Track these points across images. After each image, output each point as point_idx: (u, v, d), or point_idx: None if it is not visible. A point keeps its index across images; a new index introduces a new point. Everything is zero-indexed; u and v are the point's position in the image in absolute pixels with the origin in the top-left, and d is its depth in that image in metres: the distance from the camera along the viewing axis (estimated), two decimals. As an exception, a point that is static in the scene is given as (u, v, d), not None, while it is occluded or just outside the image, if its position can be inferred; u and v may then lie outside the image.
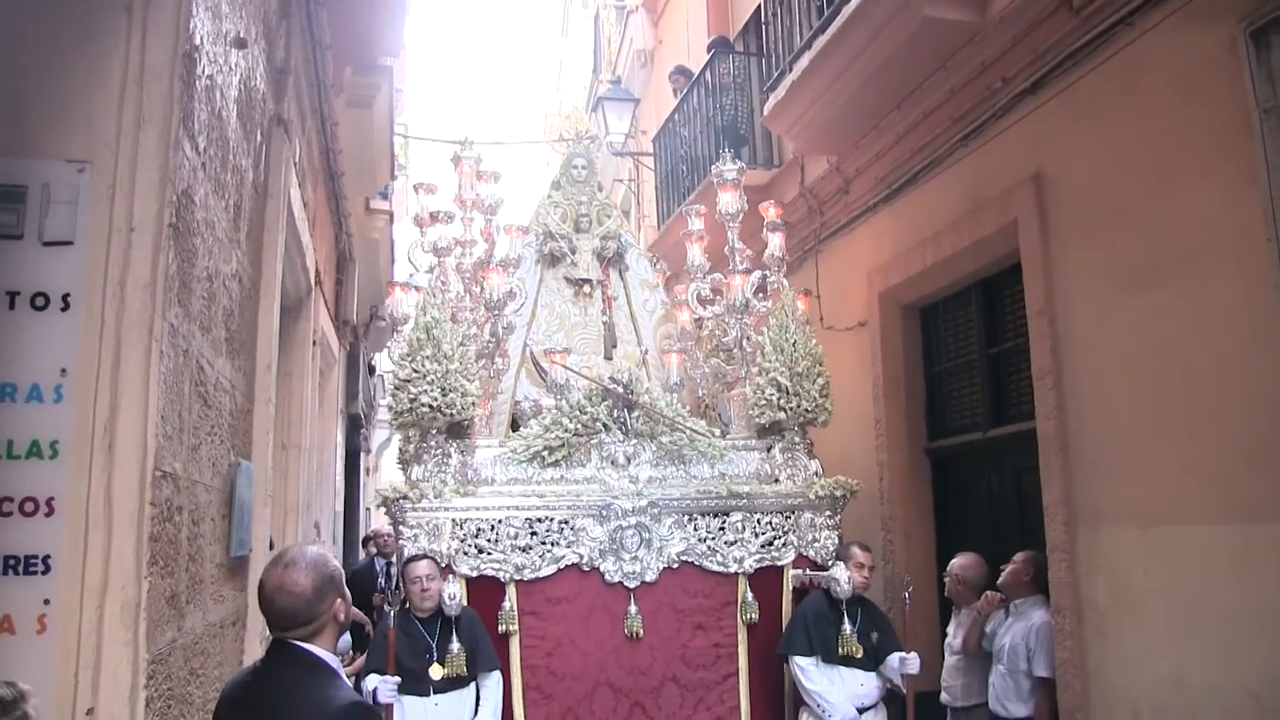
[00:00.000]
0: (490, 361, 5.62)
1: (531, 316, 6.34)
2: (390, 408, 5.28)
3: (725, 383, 6.05)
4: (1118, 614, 4.34)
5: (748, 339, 5.77)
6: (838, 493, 5.40)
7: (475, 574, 5.00)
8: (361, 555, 11.15)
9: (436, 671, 4.60)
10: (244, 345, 4.00)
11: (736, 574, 5.25)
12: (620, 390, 5.31)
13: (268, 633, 2.46)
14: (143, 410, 2.50)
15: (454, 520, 5.04)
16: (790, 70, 6.31)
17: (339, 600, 2.31)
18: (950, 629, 5.26)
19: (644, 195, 12.18)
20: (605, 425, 5.32)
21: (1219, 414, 3.82)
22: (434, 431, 5.14)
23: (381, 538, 8.97)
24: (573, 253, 6.51)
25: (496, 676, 4.76)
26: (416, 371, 4.98)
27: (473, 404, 5.13)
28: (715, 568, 5.24)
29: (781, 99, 6.44)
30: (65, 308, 2.49)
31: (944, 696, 5.19)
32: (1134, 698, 4.23)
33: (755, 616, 5.20)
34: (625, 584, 5.12)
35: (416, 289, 5.79)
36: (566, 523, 5.15)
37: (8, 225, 2.50)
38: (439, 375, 4.97)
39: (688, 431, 5.39)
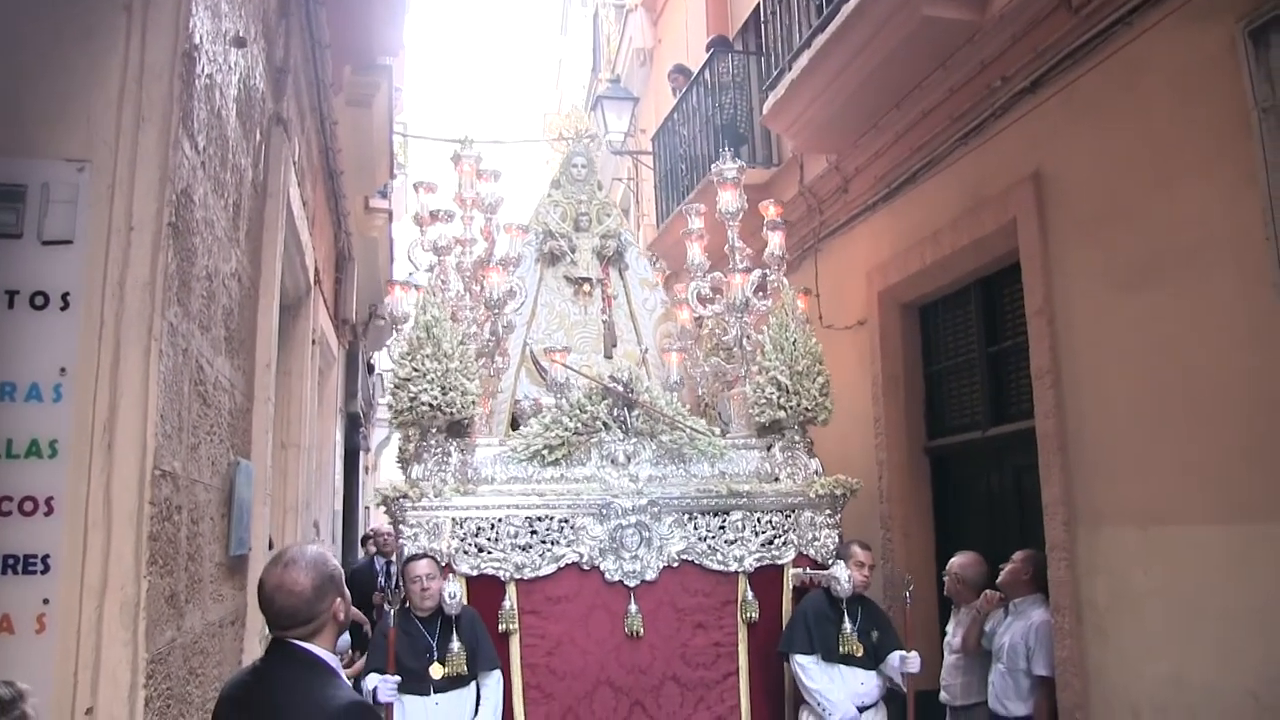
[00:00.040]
0: (490, 360, 5.62)
1: (531, 315, 6.34)
2: (390, 406, 5.28)
3: (725, 381, 6.05)
4: (1117, 613, 4.34)
5: (748, 337, 5.77)
6: (838, 491, 5.40)
7: (475, 573, 5.00)
8: (360, 554, 11.16)
9: (437, 671, 4.60)
10: (243, 344, 4.00)
11: (737, 573, 5.25)
12: (620, 389, 5.31)
13: (267, 632, 2.46)
14: (142, 409, 2.50)
15: (454, 519, 5.04)
16: (789, 69, 6.31)
17: (339, 600, 2.31)
18: (949, 628, 5.26)
19: (643, 194, 12.18)
20: (605, 424, 5.32)
21: (1218, 413, 3.82)
22: (434, 430, 5.14)
23: (381, 536, 8.97)
24: (572, 251, 6.50)
25: (497, 675, 4.76)
26: (416, 370, 4.98)
27: (473, 403, 5.13)
28: (715, 566, 5.24)
29: (781, 98, 6.44)
30: (65, 307, 2.49)
31: (943, 695, 5.19)
32: (1133, 697, 4.23)
33: (755, 615, 5.20)
34: (625, 583, 5.12)
35: (416, 287, 5.79)
36: (566, 521, 5.15)
37: (7, 224, 2.50)
38: (439, 374, 4.97)
39: (688, 430, 5.39)
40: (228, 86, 3.43)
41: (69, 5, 2.56)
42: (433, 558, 4.86)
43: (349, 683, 2.41)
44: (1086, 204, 4.59)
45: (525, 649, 5.01)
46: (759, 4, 7.48)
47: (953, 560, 5.22)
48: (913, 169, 6.07)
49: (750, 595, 5.23)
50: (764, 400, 5.44)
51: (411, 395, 4.98)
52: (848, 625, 4.87)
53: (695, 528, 5.26)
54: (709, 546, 5.25)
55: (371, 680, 4.45)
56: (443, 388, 4.97)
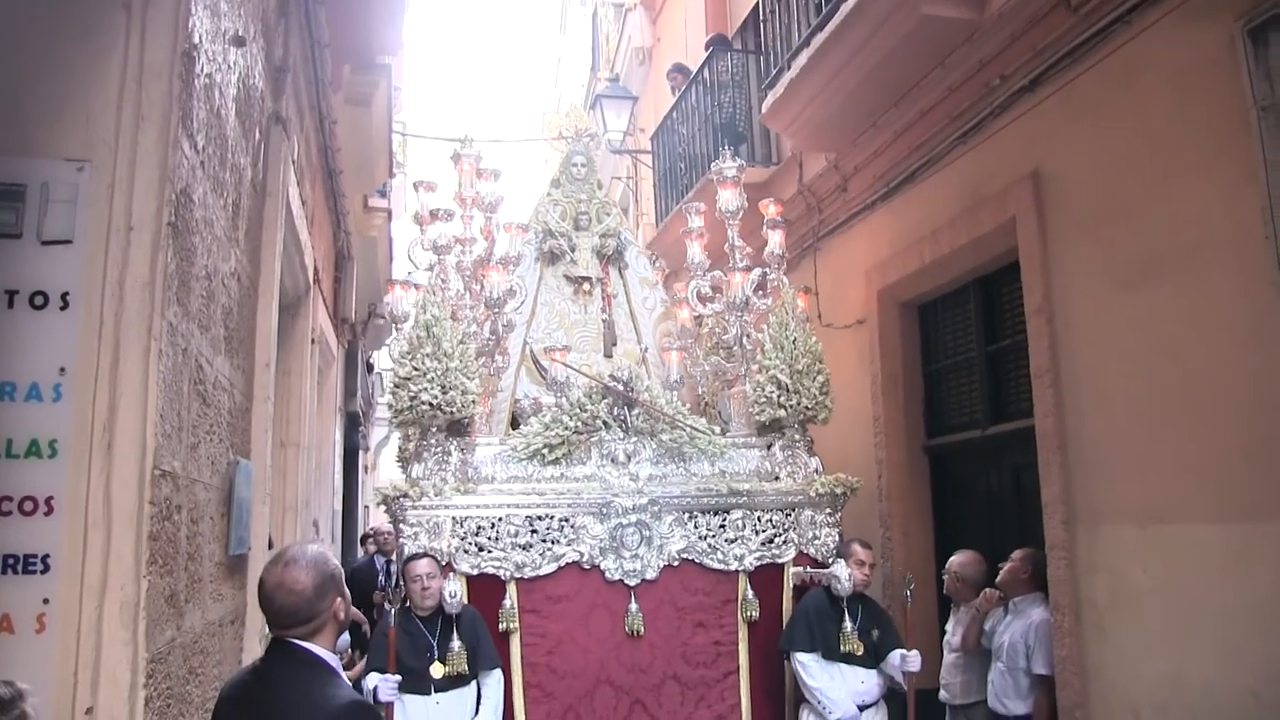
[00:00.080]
0: (490, 359, 5.62)
1: (531, 314, 6.34)
2: (390, 405, 5.28)
3: (725, 380, 6.05)
4: (1117, 612, 4.34)
5: (748, 336, 5.77)
6: (838, 490, 5.40)
7: (476, 572, 5.00)
8: (360, 553, 11.16)
9: (437, 670, 4.60)
10: (243, 343, 4.00)
11: (737, 571, 5.25)
12: (620, 388, 5.31)
13: (267, 631, 2.46)
14: (142, 409, 2.50)
15: (454, 518, 5.04)
16: (788, 68, 6.31)
17: (339, 599, 2.31)
18: (949, 626, 5.26)
19: (642, 193, 12.18)
20: (605, 423, 5.33)
21: (1218, 412, 3.82)
22: (434, 429, 5.14)
23: (381, 535, 8.97)
24: (572, 250, 6.50)
25: (497, 675, 4.76)
26: (417, 369, 4.98)
27: (473, 402, 5.14)
28: (716, 565, 5.24)
29: (780, 96, 6.44)
30: (64, 306, 2.49)
31: (943, 694, 5.19)
32: (1133, 695, 4.23)
33: (756, 614, 5.20)
34: (626, 582, 5.12)
35: (416, 287, 5.79)
36: (567, 520, 5.15)
37: (7, 224, 2.49)
38: (439, 373, 4.97)
39: (688, 429, 5.39)
40: (227, 86, 3.43)
41: (68, 4, 2.56)
42: (433, 557, 4.86)
43: (349, 683, 2.41)
44: (1086, 203, 4.59)
45: (526, 648, 5.01)
46: (758, 3, 7.48)
47: (952, 559, 5.22)
48: (912, 168, 6.07)
49: (750, 594, 5.23)
50: (764, 399, 5.44)
51: (412, 394, 4.98)
52: (848, 624, 4.87)
53: (695, 526, 5.26)
54: (709, 545, 5.25)
55: (372, 679, 4.45)
56: (443, 387, 4.97)
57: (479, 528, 5.05)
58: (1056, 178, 4.80)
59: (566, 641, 5.04)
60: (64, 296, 2.49)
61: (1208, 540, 3.87)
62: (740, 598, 5.23)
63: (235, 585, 3.97)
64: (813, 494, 5.37)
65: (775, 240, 5.85)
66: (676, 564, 5.20)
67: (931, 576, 6.00)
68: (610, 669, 5.04)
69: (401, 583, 4.87)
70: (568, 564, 5.11)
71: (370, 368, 13.81)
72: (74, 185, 2.52)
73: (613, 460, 5.30)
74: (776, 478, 5.48)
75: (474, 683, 4.70)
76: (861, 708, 4.84)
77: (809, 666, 4.84)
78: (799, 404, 5.39)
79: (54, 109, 2.54)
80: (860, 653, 4.88)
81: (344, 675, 2.37)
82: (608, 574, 5.11)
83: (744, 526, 5.30)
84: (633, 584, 5.12)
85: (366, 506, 15.09)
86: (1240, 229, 3.70)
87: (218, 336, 3.44)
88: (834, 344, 6.49)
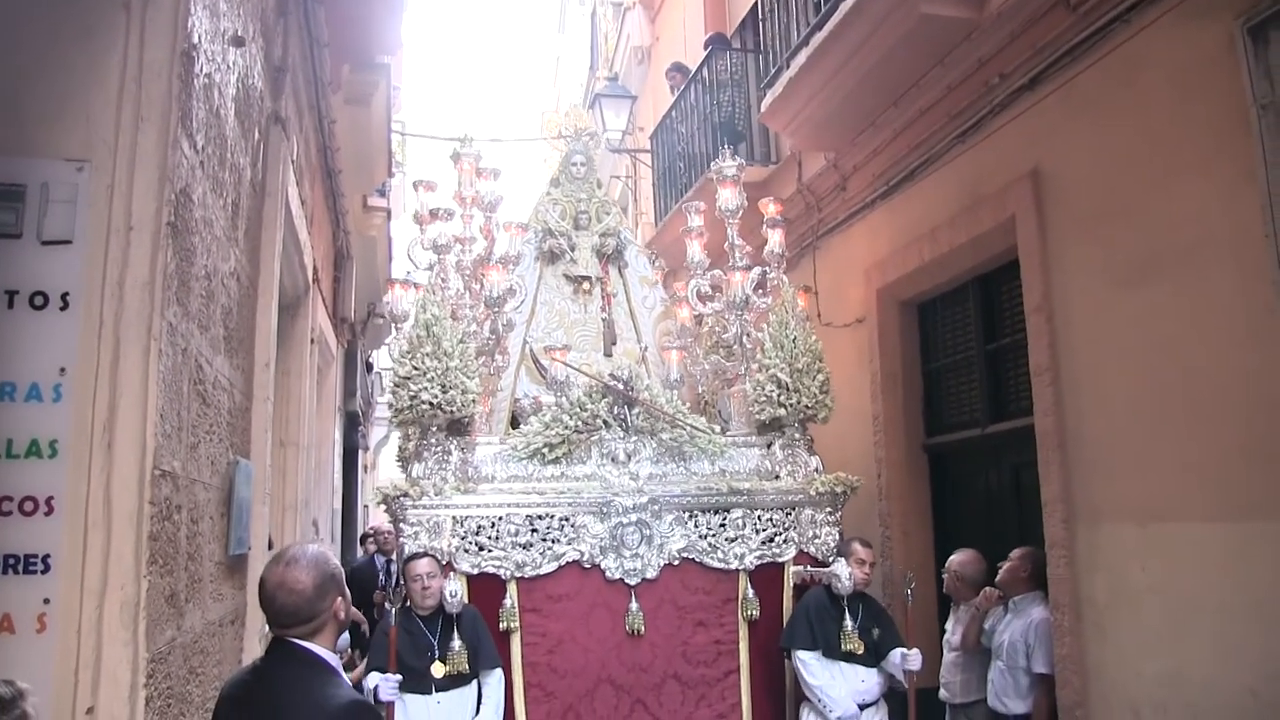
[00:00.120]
0: (490, 358, 5.62)
1: (531, 314, 6.34)
2: (390, 404, 5.29)
3: (725, 379, 6.05)
4: (1116, 610, 4.34)
5: (747, 335, 5.77)
6: (838, 489, 5.40)
7: (476, 571, 5.00)
8: (360, 552, 11.16)
9: (438, 669, 4.60)
10: (242, 343, 4.00)
11: (737, 570, 5.25)
12: (620, 387, 5.31)
13: (267, 630, 2.46)
14: (142, 409, 2.50)
15: (454, 517, 5.04)
16: (787, 67, 6.30)
17: (339, 599, 2.31)
18: (949, 625, 5.26)
19: (641, 192, 12.18)
20: (605, 422, 5.33)
21: (1217, 410, 3.83)
22: (434, 429, 5.14)
23: (382, 535, 8.97)
24: (572, 249, 6.50)
25: (498, 674, 4.77)
26: (417, 369, 4.98)
27: (473, 401, 5.14)
28: (716, 564, 5.24)
29: (779, 95, 6.44)
30: (64, 307, 2.49)
31: (943, 693, 5.19)
32: (1133, 694, 4.23)
33: (756, 613, 5.20)
34: (626, 581, 5.12)
35: (416, 286, 5.79)
36: (567, 520, 5.15)
37: (6, 224, 2.49)
38: (439, 372, 4.97)
39: (688, 428, 5.39)
40: (226, 86, 3.43)
41: (68, 4, 2.56)
42: (433, 556, 4.86)
43: (350, 683, 2.41)
44: (1085, 201, 4.59)
45: (526, 647, 5.01)
46: (756, 1, 7.48)
47: (952, 558, 5.22)
48: (911, 166, 6.07)
49: (751, 593, 5.23)
50: (764, 398, 5.44)
51: (412, 393, 4.98)
52: (849, 623, 4.87)
53: (696, 525, 5.27)
54: (709, 544, 5.25)
55: (373, 679, 4.45)
56: (443, 386, 4.97)
57: (479, 527, 5.05)
58: (1056, 176, 4.80)
59: (567, 641, 5.04)
60: (64, 297, 2.50)
61: (1207, 539, 3.87)
62: (740, 597, 5.23)
63: (235, 585, 3.97)
64: (813, 493, 5.38)
65: (775, 239, 5.85)
66: (677, 563, 5.20)
67: (931, 575, 6.00)
68: (611, 668, 5.04)
69: (402, 582, 4.87)
70: (568, 563, 5.11)
71: (370, 367, 13.82)
72: (74, 185, 2.52)
73: (613, 459, 5.30)
74: (777, 476, 5.48)
75: (475, 682, 4.70)
76: (862, 706, 4.84)
77: (810, 664, 4.85)
78: (799, 403, 5.39)
79: (54, 109, 2.54)
80: (861, 651, 4.88)
81: (344, 675, 2.37)
82: (608, 573, 5.11)
83: (744, 525, 5.30)
84: (633, 583, 5.12)
85: (366, 506, 15.10)
86: (1240, 227, 3.70)
87: (217, 336, 3.44)
88: (833, 343, 6.49)
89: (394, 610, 4.53)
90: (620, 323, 6.54)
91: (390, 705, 4.38)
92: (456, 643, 4.63)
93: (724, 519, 5.30)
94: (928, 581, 5.98)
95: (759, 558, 5.29)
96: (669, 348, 6.16)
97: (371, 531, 10.16)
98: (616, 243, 6.65)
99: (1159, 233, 4.13)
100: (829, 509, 5.42)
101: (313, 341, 6.62)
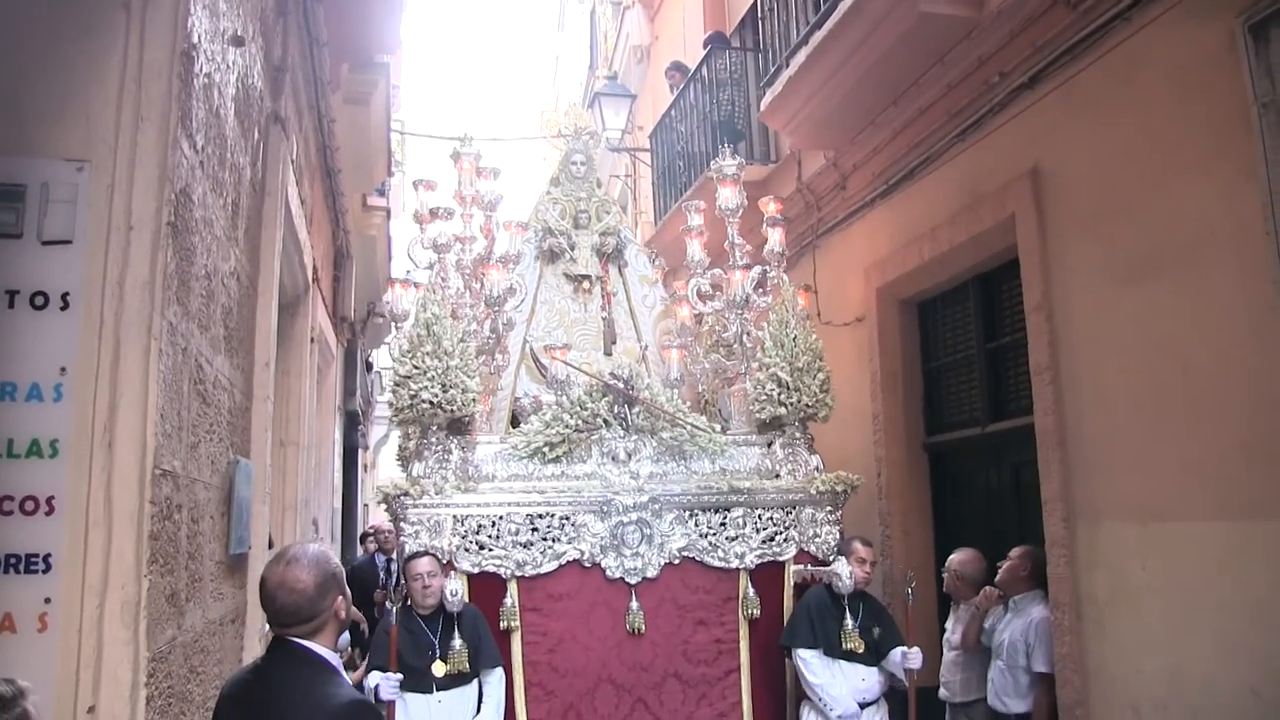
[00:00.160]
0: (490, 357, 5.62)
1: (531, 313, 6.34)
2: (390, 404, 5.29)
3: (725, 378, 6.05)
4: (1116, 609, 4.34)
5: (748, 334, 5.77)
6: (839, 488, 5.40)
7: (477, 570, 5.00)
8: (360, 552, 11.17)
9: (439, 668, 4.60)
10: (242, 343, 4.00)
11: (738, 569, 5.25)
12: (620, 386, 5.31)
13: (267, 629, 2.46)
14: (142, 408, 2.50)
15: (455, 516, 5.04)
16: (787, 66, 6.30)
17: (340, 598, 2.31)
18: (949, 624, 5.26)
19: (640, 191, 12.18)
20: (606, 421, 5.33)
21: (1217, 409, 3.83)
22: (434, 428, 5.14)
23: (382, 534, 8.98)
24: (572, 249, 6.50)
25: (499, 673, 4.77)
26: (417, 368, 4.98)
27: (473, 400, 5.14)
28: (716, 563, 5.24)
29: (778, 94, 6.44)
30: (65, 307, 2.50)
31: (943, 692, 5.19)
32: (1133, 693, 4.23)
33: (757, 612, 5.20)
34: (626, 580, 5.12)
35: (416, 285, 5.80)
36: (568, 519, 5.15)
37: (7, 224, 2.50)
38: (439, 371, 4.98)
39: (688, 427, 5.39)
40: (226, 85, 3.43)
41: (67, 4, 2.56)
42: (434, 555, 4.86)
43: (350, 682, 2.41)
44: (1085, 199, 4.59)
45: (527, 646, 5.01)
46: (756, 0, 7.47)
47: (952, 557, 5.22)
48: (911, 165, 6.07)
49: (751, 592, 5.23)
50: (764, 397, 5.44)
51: (412, 392, 4.98)
52: (849, 622, 4.87)
53: (696, 524, 5.26)
54: (710, 543, 5.25)
55: (374, 678, 4.45)
56: (443, 385, 4.98)
57: (480, 526, 5.05)
58: (1056, 174, 4.79)
59: (568, 640, 5.05)
60: (64, 296, 2.50)
61: (1207, 537, 3.87)
62: (741, 596, 5.23)
63: (235, 584, 3.97)
64: (813, 492, 5.37)
65: (775, 238, 5.85)
66: (677, 562, 5.20)
67: (931, 574, 6.00)
68: (611, 667, 5.04)
69: (402, 581, 4.87)
70: (569, 562, 5.11)
71: (369, 366, 13.82)
72: (74, 185, 2.52)
73: (613, 458, 5.30)
74: (777, 475, 5.48)
75: (475, 681, 4.70)
76: (862, 705, 4.84)
77: (810, 663, 4.85)
78: (799, 401, 5.39)
79: (54, 109, 2.54)
80: (861, 650, 4.88)
81: (345, 674, 2.37)
82: (609, 572, 5.11)
83: (745, 524, 5.30)
84: (634, 582, 5.12)
85: (365, 505, 15.11)
86: (1240, 226, 3.70)
87: (217, 336, 3.44)
88: (833, 342, 6.49)
89: (395, 609, 4.53)
90: (620, 322, 6.54)
91: (391, 704, 4.38)
92: (457, 642, 4.63)
93: (724, 518, 5.30)
94: (928, 580, 5.98)
95: (759, 556, 5.29)
96: (669, 346, 6.16)
97: (372, 530, 10.17)
98: (616, 242, 6.65)
99: (1159, 231, 4.13)
100: (829, 508, 5.42)
101: (312, 341, 6.63)
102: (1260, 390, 3.63)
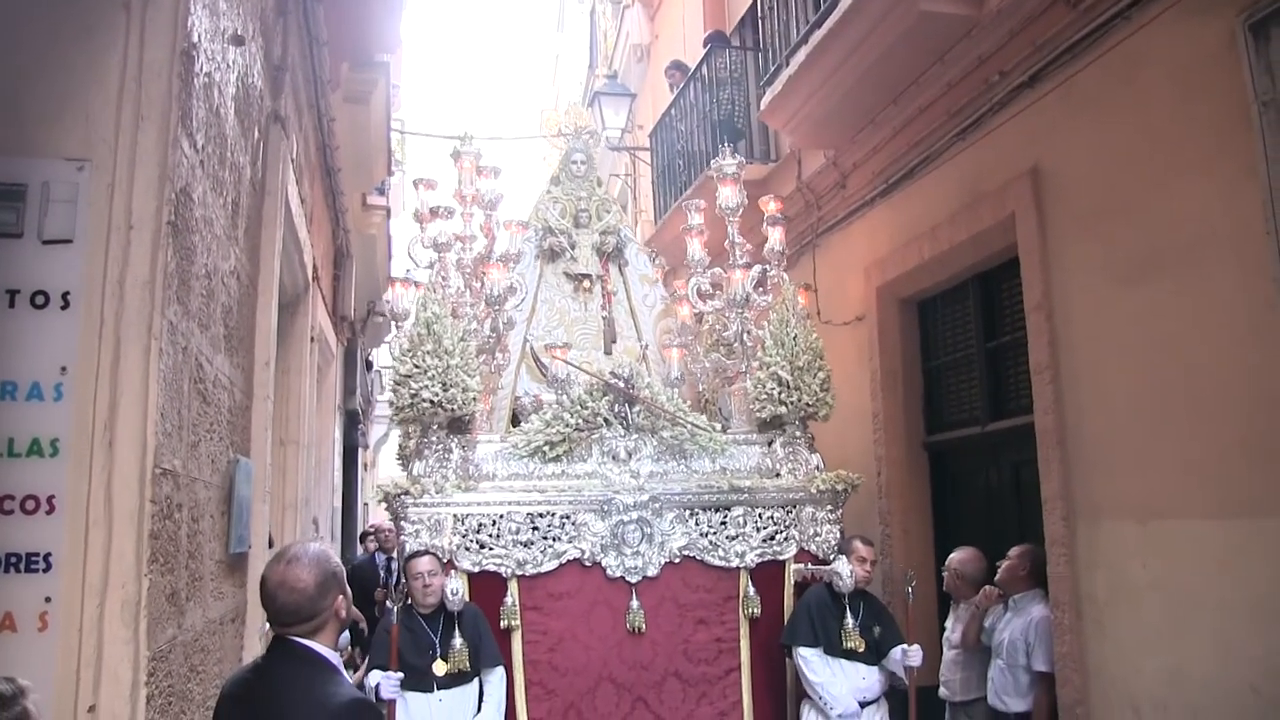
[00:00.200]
0: (491, 356, 5.62)
1: (531, 312, 6.34)
2: (391, 403, 5.29)
3: (726, 377, 6.05)
4: (1116, 608, 4.35)
5: (748, 333, 5.76)
6: (839, 487, 5.40)
7: (477, 569, 5.00)
8: (360, 551, 11.17)
9: (440, 667, 4.61)
10: (242, 342, 4.00)
11: (738, 568, 5.25)
12: (621, 385, 5.31)
13: (267, 628, 2.46)
14: (142, 408, 2.50)
15: (455, 515, 5.04)
16: (787, 65, 6.30)
17: (340, 597, 2.31)
18: (949, 623, 5.27)
19: (640, 190, 12.18)
20: (606, 420, 5.33)
21: (1217, 408, 3.82)
22: (435, 427, 5.14)
23: (382, 533, 8.99)
24: (572, 248, 6.50)
25: (499, 672, 4.77)
26: (417, 367, 4.98)
27: (473, 399, 5.14)
28: (717, 562, 5.24)
29: (778, 93, 6.44)
30: (65, 306, 2.50)
31: (942, 691, 5.20)
32: (1133, 691, 4.24)
33: (757, 611, 5.21)
34: (627, 579, 5.12)
35: (416, 284, 5.80)
36: (568, 518, 5.15)
37: (7, 224, 2.50)
38: (440, 370, 4.98)
39: (689, 426, 5.39)
40: (226, 85, 3.43)
41: (68, 4, 2.56)
42: (434, 554, 4.86)
43: (350, 681, 2.41)
44: (1085, 199, 4.59)
45: (527, 645, 5.01)
46: (757, -1, 7.48)
47: (952, 556, 5.22)
48: (910, 164, 6.07)
49: (752, 591, 5.23)
50: (765, 395, 5.44)
51: (412, 391, 4.98)
52: (850, 620, 4.88)
53: (696, 523, 5.27)
54: (710, 542, 5.25)
55: (375, 677, 4.46)
56: (443, 384, 4.98)
57: (480, 525, 5.06)
58: (1056, 174, 4.79)
59: (568, 639, 5.05)
60: (64, 296, 2.50)
61: (1207, 536, 3.87)
62: (741, 594, 5.23)
63: (236, 583, 3.97)
64: (814, 491, 5.38)
65: (775, 237, 5.85)
66: (678, 561, 5.20)
67: (931, 573, 6.00)
68: (612, 666, 5.05)
69: (403, 580, 4.88)
70: (569, 561, 5.11)
71: (369, 365, 13.83)
72: (74, 185, 2.52)
73: (614, 457, 5.30)
74: (777, 474, 5.48)
75: (476, 680, 4.71)
76: (863, 704, 4.84)
77: (811, 661, 4.85)
78: (800, 400, 5.39)
79: (54, 109, 2.54)
80: (861, 649, 4.88)
81: (345, 673, 2.37)
82: (609, 571, 5.11)
83: (745, 523, 5.30)
84: (634, 581, 5.12)
85: (366, 504, 15.11)
86: (1241, 225, 3.69)
87: (217, 335, 3.44)
88: (833, 341, 6.49)
89: (395, 608, 4.53)
90: (620, 321, 6.54)
91: (392, 703, 4.39)
92: (458, 641, 4.64)
93: (725, 517, 5.30)
94: (928, 579, 5.99)
95: (760, 555, 5.29)
96: (669, 345, 6.16)
97: (372, 529, 10.17)
98: (617, 241, 6.65)
99: (1159, 230, 4.13)
100: (830, 507, 5.42)
101: (312, 340, 6.63)
102: (1260, 389, 3.63)
